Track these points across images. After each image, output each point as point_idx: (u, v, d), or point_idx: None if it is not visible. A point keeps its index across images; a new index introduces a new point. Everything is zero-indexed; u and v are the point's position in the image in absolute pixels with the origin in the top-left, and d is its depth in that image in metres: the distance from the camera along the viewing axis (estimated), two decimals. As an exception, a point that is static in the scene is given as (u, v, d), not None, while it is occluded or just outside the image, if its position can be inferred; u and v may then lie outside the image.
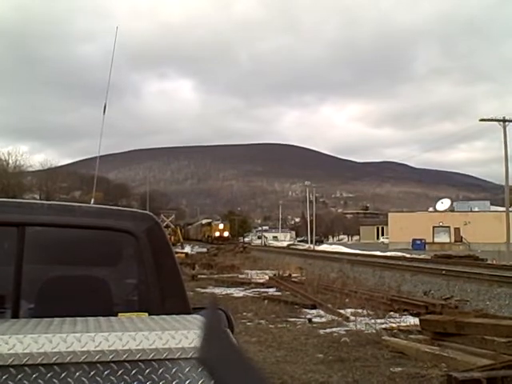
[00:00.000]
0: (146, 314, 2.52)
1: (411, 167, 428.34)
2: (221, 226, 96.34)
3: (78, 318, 2.25)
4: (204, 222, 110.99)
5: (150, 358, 1.92)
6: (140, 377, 1.92)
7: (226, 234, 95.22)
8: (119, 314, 2.47)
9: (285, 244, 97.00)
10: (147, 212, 3.12)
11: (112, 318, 2.34)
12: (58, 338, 1.87)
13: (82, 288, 2.74)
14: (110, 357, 1.89)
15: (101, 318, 2.30)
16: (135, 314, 2.50)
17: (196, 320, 2.29)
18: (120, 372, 1.90)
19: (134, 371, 1.92)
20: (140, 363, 1.92)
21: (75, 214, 2.81)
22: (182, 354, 1.95)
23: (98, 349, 1.88)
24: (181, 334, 1.98)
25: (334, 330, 12.15)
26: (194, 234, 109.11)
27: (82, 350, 1.87)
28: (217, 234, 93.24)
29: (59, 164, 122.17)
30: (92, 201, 5.12)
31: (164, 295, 2.75)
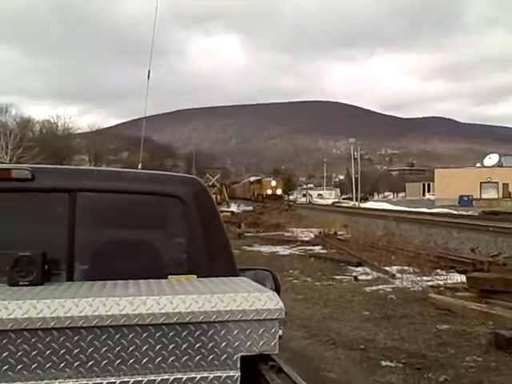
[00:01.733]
0: (195, 276, 2.58)
1: (458, 122, 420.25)
2: (273, 183, 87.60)
3: (130, 281, 2.33)
4: (253, 179, 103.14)
5: (199, 320, 1.98)
6: (190, 338, 1.98)
7: (278, 191, 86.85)
8: (169, 277, 2.54)
9: (330, 202, 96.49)
10: (194, 176, 3.19)
11: (162, 280, 2.41)
12: (112, 301, 1.95)
13: (133, 251, 2.83)
14: (162, 319, 1.96)
15: (152, 280, 2.37)
16: (184, 276, 2.57)
17: (243, 282, 2.36)
18: (171, 334, 1.97)
19: (184, 333, 1.98)
20: (190, 325, 1.98)
21: (124, 180, 2.89)
22: (230, 316, 2.00)
23: (149, 312, 1.95)
24: (228, 297, 2.03)
25: (379, 287, 12.19)
26: (242, 193, 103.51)
27: (134, 313, 1.94)
28: (269, 191, 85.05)
29: (106, 125, 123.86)
30: (139, 165, 5.22)
31: (212, 257, 2.80)
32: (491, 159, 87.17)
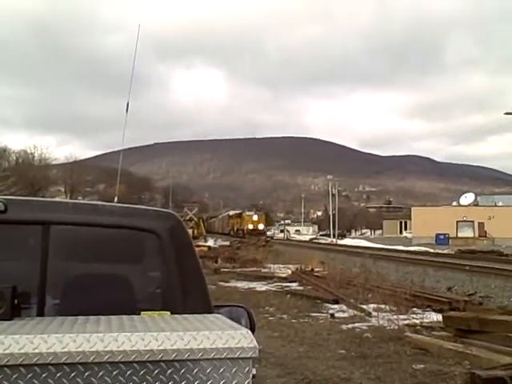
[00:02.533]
0: (169, 312, 2.55)
1: (434, 161, 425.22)
2: (255, 218, 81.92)
3: (102, 317, 2.28)
4: (232, 213, 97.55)
5: (171, 358, 1.94)
6: (162, 377, 1.94)
7: (260, 226, 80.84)
8: (142, 313, 2.50)
9: (307, 238, 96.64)
10: (170, 211, 3.15)
11: (135, 316, 2.37)
12: (82, 338, 1.90)
13: (105, 286, 2.77)
14: (133, 357, 1.91)
15: (124, 316, 2.33)
16: (158, 312, 2.53)
17: (217, 320, 2.31)
18: (142, 372, 1.92)
19: (155, 371, 1.93)
20: (162, 363, 1.94)
21: (99, 213, 2.84)
22: (203, 354, 1.96)
23: (120, 349, 1.90)
24: (202, 335, 1.99)
25: (356, 325, 12.14)
26: (220, 227, 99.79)
27: (105, 349, 1.89)
28: (250, 226, 79.43)
29: (84, 157, 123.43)
30: (115, 199, 5.17)
31: (186, 294, 2.76)
32: (467, 198, 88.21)
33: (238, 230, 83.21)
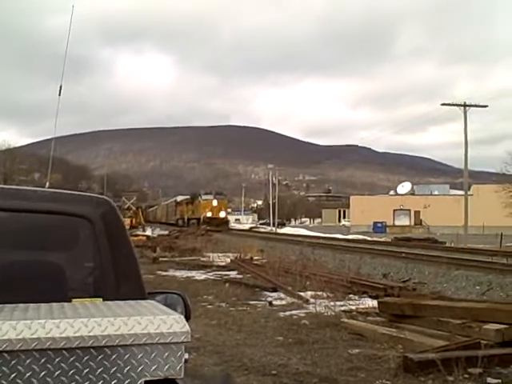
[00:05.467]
0: (100, 299, 2.51)
1: (374, 151, 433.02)
2: (215, 203, 67.14)
3: (31, 305, 2.22)
4: (181, 198, 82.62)
5: (102, 344, 1.91)
6: (92, 363, 1.91)
7: (222, 214, 67.51)
8: (73, 300, 2.45)
9: (247, 227, 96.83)
10: (103, 196, 3.09)
11: (65, 303, 2.32)
12: (8, 326, 1.84)
13: (36, 273, 2.70)
14: (62, 344, 1.87)
15: (53, 304, 2.27)
16: (89, 299, 2.49)
17: (150, 305, 2.28)
18: (72, 359, 1.89)
19: (85, 358, 1.90)
20: (92, 350, 1.91)
21: (30, 199, 2.76)
22: (134, 340, 1.94)
23: (48, 335, 1.86)
24: (133, 320, 1.97)
25: (293, 312, 12.23)
26: (163, 216, 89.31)
27: (32, 337, 1.84)
28: (208, 214, 65.79)
29: (19, 144, 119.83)
30: (47, 184, 5.01)
31: (119, 280, 2.72)
32: (404, 187, 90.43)
33: (190, 219, 68.50)
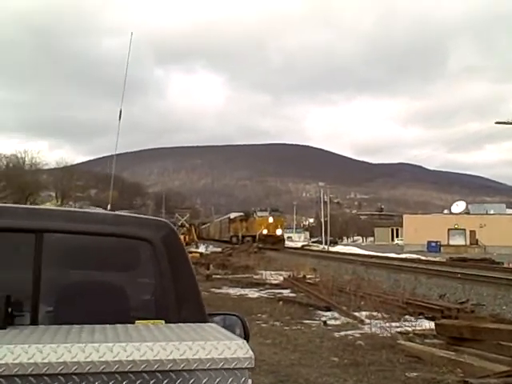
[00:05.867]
0: (163, 321, 2.53)
1: (426, 169, 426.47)
2: (270, 220, 64.84)
3: (96, 326, 2.27)
4: (234, 215, 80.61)
5: (167, 368, 1.93)
6: None
7: (278, 231, 65.08)
8: (136, 322, 2.49)
9: (299, 245, 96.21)
10: (163, 219, 3.16)
11: (129, 325, 2.36)
12: (77, 348, 1.89)
13: (99, 294, 2.77)
14: (128, 367, 1.90)
15: (118, 325, 2.32)
16: (152, 321, 2.52)
17: (212, 329, 2.30)
18: (138, 382, 1.91)
19: (151, 382, 1.92)
20: (158, 374, 1.93)
21: (93, 222, 2.84)
22: (198, 364, 1.95)
23: (116, 359, 1.89)
24: (197, 345, 1.98)
25: (348, 332, 12.10)
26: (216, 233, 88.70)
27: (100, 360, 1.88)
28: (264, 231, 63.56)
29: (75, 162, 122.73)
30: (109, 206, 5.17)
31: (180, 302, 2.76)
32: (458, 206, 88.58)
33: (244, 236, 66.72)
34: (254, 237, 63.21)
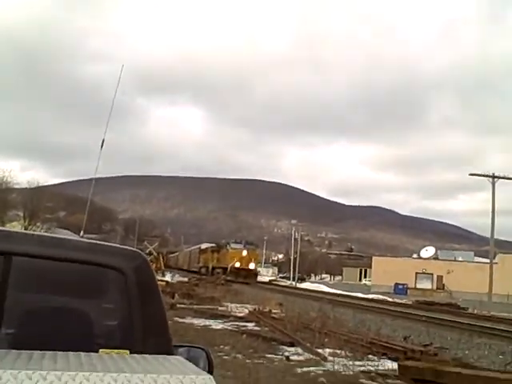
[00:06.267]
0: (128, 351, 2.46)
1: (398, 213, 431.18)
2: (244, 253, 63.16)
3: (59, 353, 2.19)
4: (205, 246, 78.92)
5: None
6: None
7: (251, 265, 63.69)
8: (100, 350, 2.41)
9: (267, 279, 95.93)
10: (136, 250, 3.13)
11: (93, 354, 2.28)
12: (38, 375, 1.80)
13: (64, 320, 2.71)
14: None
15: (82, 353, 2.23)
16: (116, 351, 2.44)
17: (178, 362, 2.23)
18: None
19: None
20: None
21: (64, 248, 2.80)
22: None
23: None
24: (163, 378, 1.91)
25: (311, 369, 11.97)
26: (184, 263, 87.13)
27: None
28: (237, 264, 61.94)
29: (47, 183, 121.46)
30: (81, 232, 5.16)
31: (147, 333, 2.71)
32: (428, 251, 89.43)
33: (214, 268, 64.71)
34: (225, 269, 61.81)
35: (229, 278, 55.14)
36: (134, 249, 3.16)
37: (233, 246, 65.38)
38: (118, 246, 3.17)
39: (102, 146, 5.66)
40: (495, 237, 50.47)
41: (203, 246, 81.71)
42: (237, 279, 55.57)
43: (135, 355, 2.34)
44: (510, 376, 9.21)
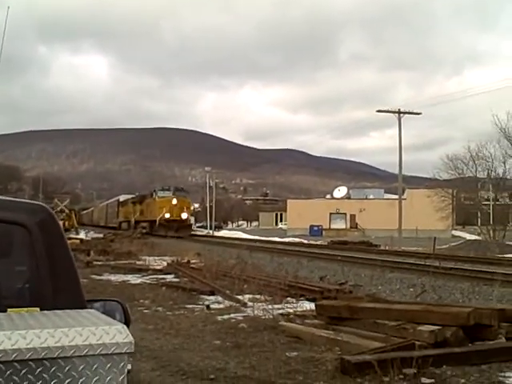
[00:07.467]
0: (38, 309, 2.42)
1: (310, 155, 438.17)
2: (174, 202, 53.97)
3: None
4: (125, 197, 71.01)
5: (41, 357, 1.83)
6: (30, 377, 1.83)
7: (184, 215, 54.56)
8: (9, 310, 2.36)
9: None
10: (41, 203, 3.01)
11: (1, 314, 2.23)
12: None
13: None
14: None
15: None
16: (26, 309, 2.40)
17: (90, 315, 2.21)
18: (9, 372, 1.80)
19: (23, 371, 1.81)
20: (31, 363, 1.83)
21: None
22: (75, 351, 1.87)
23: None
24: (74, 332, 1.89)
25: (231, 316, 12.18)
26: (102, 219, 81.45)
27: None
28: (167, 215, 53.14)
29: None
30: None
31: (57, 289, 2.64)
32: (340, 191, 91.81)
33: (138, 222, 57.98)
34: (151, 222, 54.81)
35: (159, 233, 50.43)
36: (38, 202, 3.05)
37: (160, 194, 55.92)
38: (21, 200, 3.06)
39: None
40: (404, 173, 52.04)
41: (121, 197, 74.22)
42: (167, 233, 49.86)
43: (45, 312, 2.31)
44: (419, 307, 9.68)
